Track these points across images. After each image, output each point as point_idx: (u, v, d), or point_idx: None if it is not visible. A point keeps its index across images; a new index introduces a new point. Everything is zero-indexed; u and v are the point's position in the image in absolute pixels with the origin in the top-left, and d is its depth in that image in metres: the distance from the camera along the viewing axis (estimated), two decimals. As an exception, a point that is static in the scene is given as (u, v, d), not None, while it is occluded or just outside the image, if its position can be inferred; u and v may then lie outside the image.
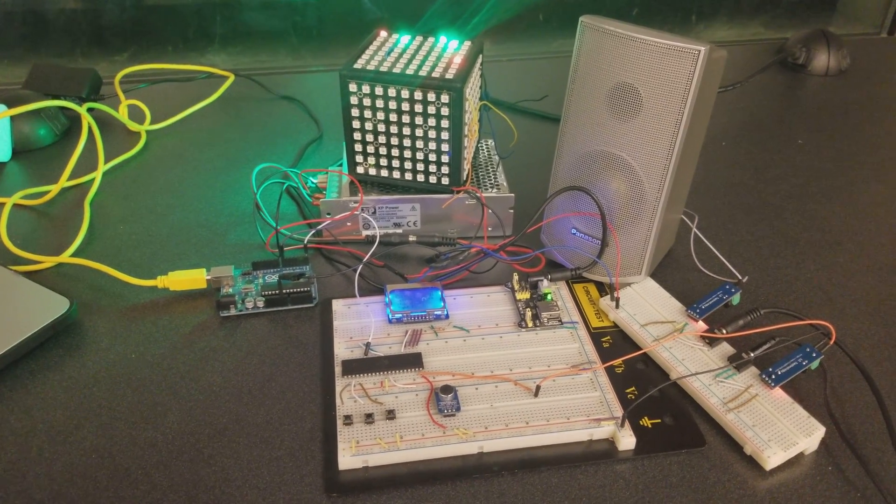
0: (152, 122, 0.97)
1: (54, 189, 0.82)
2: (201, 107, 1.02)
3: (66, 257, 0.73)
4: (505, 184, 0.76)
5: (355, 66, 0.70)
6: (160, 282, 0.68)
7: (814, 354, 0.59)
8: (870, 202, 0.86)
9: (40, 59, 1.13)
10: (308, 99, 1.05)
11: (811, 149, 0.98)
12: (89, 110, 0.86)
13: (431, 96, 0.68)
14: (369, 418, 0.55)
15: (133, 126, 0.95)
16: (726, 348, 0.62)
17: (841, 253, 0.77)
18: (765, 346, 0.60)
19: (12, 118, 0.89)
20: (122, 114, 0.95)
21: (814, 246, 0.78)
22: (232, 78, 1.05)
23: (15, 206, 0.81)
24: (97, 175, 0.84)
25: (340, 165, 0.79)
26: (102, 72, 1.03)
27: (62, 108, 0.95)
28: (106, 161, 0.87)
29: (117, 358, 0.63)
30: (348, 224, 0.75)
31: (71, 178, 0.84)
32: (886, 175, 0.92)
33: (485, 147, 0.83)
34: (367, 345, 0.62)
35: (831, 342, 0.60)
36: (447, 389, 0.57)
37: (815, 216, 0.83)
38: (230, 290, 0.68)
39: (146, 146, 0.94)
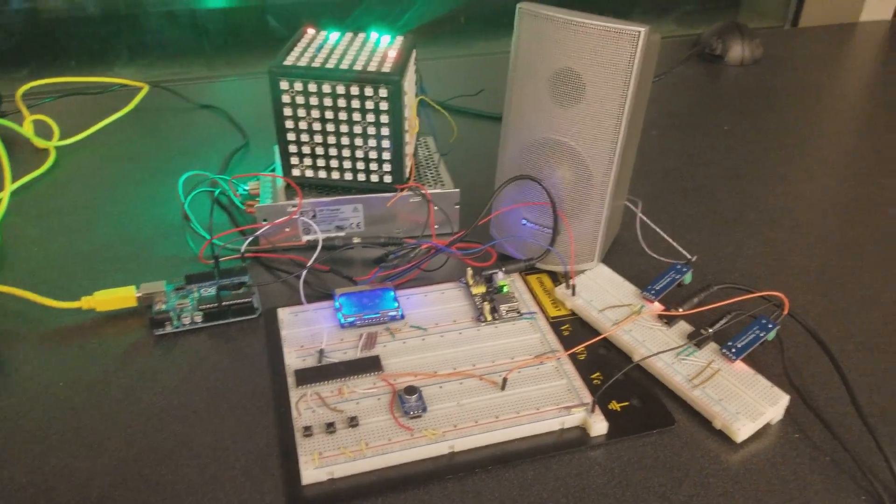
0: (61, 138, 0.91)
1: (-43, 213, 0.75)
2: (115, 119, 0.97)
3: (-25, 284, 0.67)
4: (449, 180, 0.75)
5: (286, 62, 0.67)
6: (85, 303, 0.63)
7: (770, 325, 0.59)
8: (798, 180, 0.89)
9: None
10: (229, 107, 1.01)
11: (737, 134, 1.01)
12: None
13: (369, 91, 0.66)
14: (330, 427, 0.52)
15: (40, 143, 0.89)
16: (684, 326, 0.62)
17: (778, 230, 0.79)
18: (722, 322, 0.60)
19: None
20: (27, 130, 0.89)
21: (752, 224, 0.80)
22: (146, 88, 1.00)
23: (-87, 234, 0.74)
24: (4, 195, 0.79)
25: (273, 170, 0.75)
26: (1, 90, 0.96)
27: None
28: (13, 180, 0.81)
29: (43, 387, 0.58)
30: (287, 230, 0.71)
31: (-25, 200, 0.78)
32: (810, 153, 0.96)
33: (424, 144, 0.81)
34: (321, 352, 0.59)
35: (785, 312, 0.61)
36: (411, 390, 0.55)
37: (750, 196, 0.85)
38: (163, 306, 0.64)
39: (56, 163, 0.89)
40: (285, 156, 0.71)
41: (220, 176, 0.75)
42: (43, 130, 0.92)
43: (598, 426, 0.54)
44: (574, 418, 0.54)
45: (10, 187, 0.79)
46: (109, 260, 0.71)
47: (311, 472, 0.50)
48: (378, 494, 0.50)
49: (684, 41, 1.33)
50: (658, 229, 0.73)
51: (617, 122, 0.61)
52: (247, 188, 0.76)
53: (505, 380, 0.56)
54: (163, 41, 1.15)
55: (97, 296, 0.64)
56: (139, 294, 0.64)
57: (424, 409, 0.54)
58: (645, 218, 0.74)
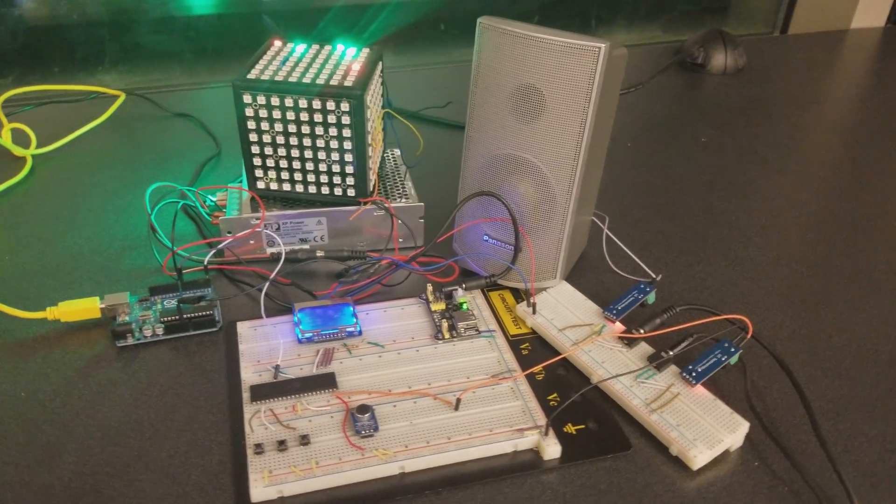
0: (38, 146, 0.91)
1: (-72, 222, 0.76)
2: (91, 128, 0.97)
3: (-56, 293, 0.67)
4: (414, 193, 0.74)
5: (249, 76, 0.67)
6: (49, 313, 0.63)
7: (732, 349, 0.59)
8: (774, 195, 0.88)
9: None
10: (205, 115, 1.01)
11: (714, 146, 1.00)
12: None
13: (331, 105, 0.66)
14: (282, 445, 0.52)
15: (17, 151, 0.89)
16: (645, 348, 0.61)
17: (750, 247, 0.78)
18: (683, 344, 0.60)
19: None
20: (4, 138, 0.89)
21: (723, 241, 0.79)
22: (122, 97, 1.00)
23: None
24: (-23, 205, 0.79)
25: (241, 182, 0.75)
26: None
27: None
28: (-12, 189, 0.81)
29: (5, 398, 0.58)
30: (251, 242, 0.71)
31: (-52, 209, 0.78)
32: (787, 168, 0.94)
33: (391, 157, 0.81)
34: (276, 367, 0.58)
35: (748, 336, 0.60)
36: (363, 409, 0.54)
37: (723, 212, 0.84)
38: (126, 318, 0.63)
39: (32, 171, 0.89)
40: (250, 168, 0.70)
41: (187, 187, 0.75)
42: (22, 139, 0.92)
43: (552, 449, 0.53)
44: (527, 441, 0.54)
45: (-16, 196, 0.80)
46: (78, 270, 0.71)
47: (261, 490, 0.50)
48: (327, 514, 0.49)
49: (669, 48, 1.32)
50: (623, 246, 0.73)
51: (578, 139, 0.61)
52: (214, 199, 0.75)
53: (458, 400, 0.56)
54: (145, 48, 1.14)
55: (62, 306, 0.64)
56: (103, 305, 0.64)
57: (376, 429, 0.54)
58: (611, 234, 0.73)
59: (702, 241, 0.79)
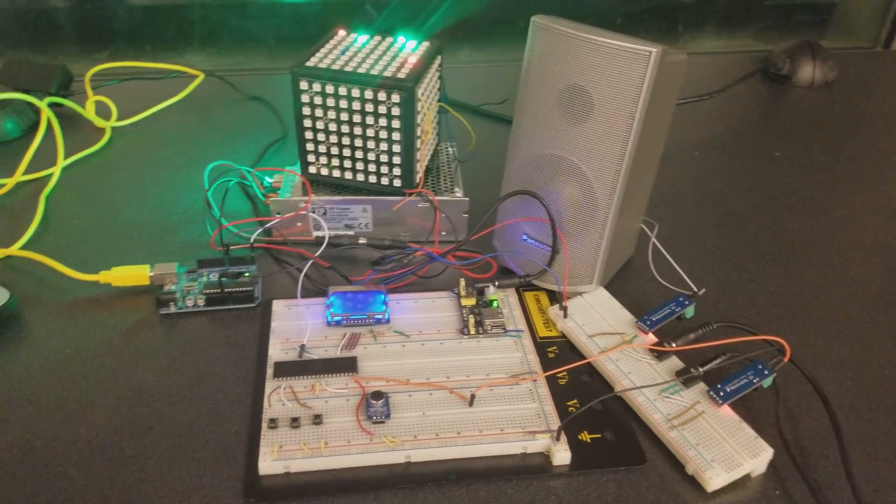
0: (119, 119, 0.96)
1: (10, 182, 0.80)
2: (168, 105, 1.01)
3: (14, 250, 0.71)
4: (460, 188, 0.74)
5: (308, 64, 0.68)
6: (102, 277, 0.67)
7: (766, 371, 0.56)
8: (842, 216, 0.83)
9: (20, 55, 1.13)
10: (277, 99, 1.03)
11: (787, 161, 0.95)
12: (53, 105, 0.85)
13: (382, 96, 0.66)
14: (295, 422, 0.53)
15: (99, 122, 0.94)
16: (675, 362, 0.59)
17: (808, 267, 0.74)
18: (715, 361, 0.57)
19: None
20: (88, 110, 0.94)
21: (780, 260, 0.75)
22: (201, 77, 1.04)
23: (-30, 197, 0.80)
24: (56, 170, 0.83)
25: (297, 166, 0.77)
26: (80, 70, 1.02)
27: (31, 103, 0.94)
28: (67, 156, 0.86)
29: (51, 352, 0.61)
30: (299, 224, 0.73)
31: (31, 171, 0.83)
32: (862, 189, 0.89)
33: (445, 150, 0.81)
34: (302, 347, 0.60)
35: (785, 359, 0.57)
36: (378, 395, 0.55)
37: (785, 229, 0.80)
38: (172, 287, 0.66)
39: (110, 142, 0.93)
40: (303, 153, 0.72)
41: (245, 167, 0.77)
42: (104, 111, 0.97)
43: (561, 455, 0.52)
44: (538, 444, 0.53)
45: (61, 163, 0.84)
46: (136, 239, 0.75)
47: (269, 464, 0.51)
48: (329, 494, 0.50)
49: (758, 57, 1.26)
50: (668, 256, 0.70)
51: (624, 143, 0.59)
52: (271, 181, 0.77)
53: (473, 395, 0.56)
54: (233, 31, 1.18)
55: (114, 271, 0.67)
56: (152, 273, 0.67)
57: (388, 416, 0.54)
58: (657, 243, 0.71)
59: (758, 258, 0.75)
